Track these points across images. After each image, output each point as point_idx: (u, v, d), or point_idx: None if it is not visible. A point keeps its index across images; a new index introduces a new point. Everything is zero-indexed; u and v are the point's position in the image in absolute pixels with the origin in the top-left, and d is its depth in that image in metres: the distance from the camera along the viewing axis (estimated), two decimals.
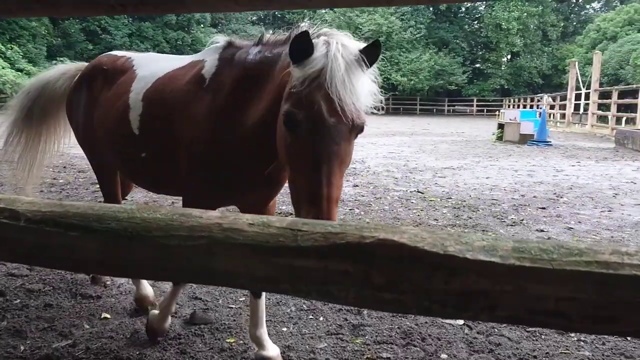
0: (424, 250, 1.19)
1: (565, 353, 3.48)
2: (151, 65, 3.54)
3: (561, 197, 9.19)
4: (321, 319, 3.98)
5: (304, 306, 4.20)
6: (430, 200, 8.71)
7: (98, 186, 5.90)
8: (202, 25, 55.85)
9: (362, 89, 2.05)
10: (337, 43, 2.05)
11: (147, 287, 4.12)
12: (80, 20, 46.87)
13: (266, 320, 3.90)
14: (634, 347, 3.60)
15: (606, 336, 3.77)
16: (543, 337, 3.74)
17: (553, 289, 1.12)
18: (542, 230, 6.84)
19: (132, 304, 4.12)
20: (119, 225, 1.42)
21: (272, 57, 2.63)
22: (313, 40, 2.08)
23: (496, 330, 3.84)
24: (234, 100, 2.68)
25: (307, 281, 1.28)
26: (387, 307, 1.24)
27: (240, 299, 4.31)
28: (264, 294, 3.31)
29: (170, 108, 3.02)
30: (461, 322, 3.95)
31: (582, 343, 3.65)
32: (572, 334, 3.77)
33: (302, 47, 2.04)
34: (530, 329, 3.87)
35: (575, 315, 1.12)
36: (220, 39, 3.08)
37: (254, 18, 68.73)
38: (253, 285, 1.35)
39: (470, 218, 7.47)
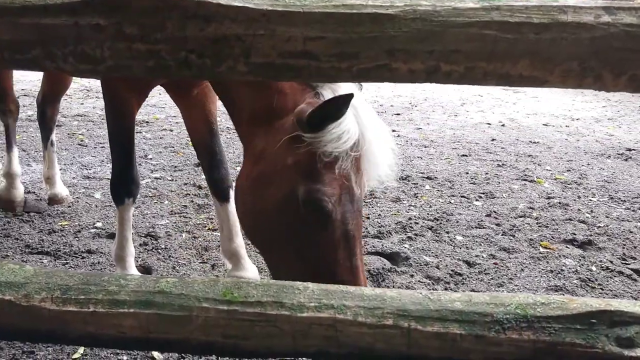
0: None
1: (395, 215, 3.78)
2: None
3: (415, 106, 9.76)
4: (166, 202, 3.91)
5: (149, 193, 4.09)
6: None
7: None
8: None
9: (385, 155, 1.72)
10: (363, 107, 1.68)
11: (16, 190, 3.59)
12: None
13: (105, 205, 3.77)
14: (454, 207, 4.02)
15: (432, 201, 4.16)
16: (378, 204, 4.03)
17: (302, 30, 1.15)
18: (394, 131, 7.25)
19: None
20: None
21: None
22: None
23: None
24: None
25: (59, 43, 1.20)
26: (147, 65, 1.20)
27: (80, 191, 4.09)
28: (232, 197, 2.66)
29: None
30: None
31: (411, 207, 3.99)
32: (404, 201, 4.11)
33: (335, 110, 1.56)
34: (365, 201, 4.15)
35: (322, 54, 1.17)
36: None
37: None
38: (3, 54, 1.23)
39: None
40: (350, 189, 1.66)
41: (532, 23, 1.13)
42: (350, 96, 1.52)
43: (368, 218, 3.67)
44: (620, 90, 1.20)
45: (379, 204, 4.03)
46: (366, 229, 3.48)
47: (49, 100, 3.79)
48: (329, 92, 1.66)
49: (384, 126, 1.74)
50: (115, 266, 2.65)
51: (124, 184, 2.51)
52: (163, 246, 3.12)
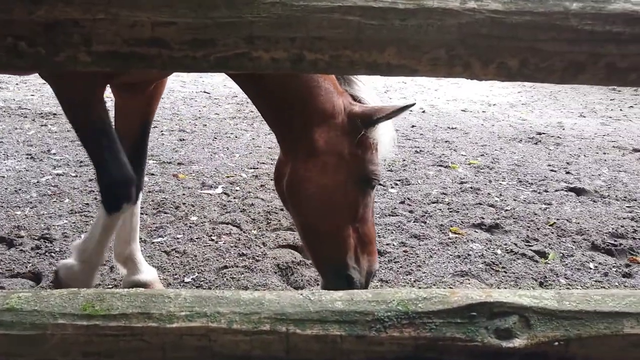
0: None
1: None
2: None
3: None
4: (66, 200, 3.65)
5: (48, 191, 3.81)
6: (215, 99, 8.56)
7: None
8: None
9: None
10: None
11: None
12: None
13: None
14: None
15: None
16: None
17: (149, 14, 1.04)
18: None
19: None
20: None
21: None
22: None
23: (251, 194, 3.95)
24: None
25: None
26: None
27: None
28: (140, 198, 2.54)
29: None
30: (220, 190, 3.99)
31: None
32: None
33: (394, 115, 2.03)
34: None
35: (173, 42, 1.06)
36: None
37: None
38: None
39: (252, 111, 7.51)
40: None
41: (398, 9, 1.07)
42: (411, 105, 2.11)
43: (282, 210, 3.59)
44: (491, 79, 1.17)
45: None
46: (279, 221, 3.41)
47: None
48: (365, 94, 2.10)
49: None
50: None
51: (121, 187, 2.07)
52: (58, 249, 2.90)
